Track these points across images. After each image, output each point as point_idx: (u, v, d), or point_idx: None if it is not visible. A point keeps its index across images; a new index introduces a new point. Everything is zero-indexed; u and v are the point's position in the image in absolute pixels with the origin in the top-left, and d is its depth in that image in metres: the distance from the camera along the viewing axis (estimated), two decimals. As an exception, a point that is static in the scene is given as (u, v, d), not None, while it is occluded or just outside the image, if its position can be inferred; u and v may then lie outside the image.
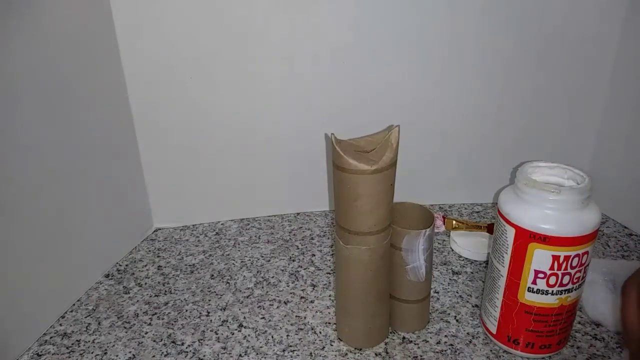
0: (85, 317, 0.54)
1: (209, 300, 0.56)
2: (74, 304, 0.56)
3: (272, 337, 0.50)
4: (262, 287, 0.58)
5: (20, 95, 0.47)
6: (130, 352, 0.49)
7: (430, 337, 0.50)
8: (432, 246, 0.48)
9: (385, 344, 0.49)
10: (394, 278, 0.48)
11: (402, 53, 0.64)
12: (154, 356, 0.48)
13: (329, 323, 0.52)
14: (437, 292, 0.56)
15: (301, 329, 0.51)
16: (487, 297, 0.48)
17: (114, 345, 0.50)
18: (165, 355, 0.48)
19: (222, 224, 0.72)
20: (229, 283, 0.59)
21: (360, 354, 0.48)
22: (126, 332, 0.52)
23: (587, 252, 0.42)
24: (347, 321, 0.48)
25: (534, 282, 0.43)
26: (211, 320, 0.53)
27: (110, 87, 0.60)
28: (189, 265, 0.63)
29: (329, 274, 0.60)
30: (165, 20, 0.59)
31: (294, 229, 0.70)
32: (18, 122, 0.47)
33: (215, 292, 0.58)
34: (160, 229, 0.71)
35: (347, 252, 0.45)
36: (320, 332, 0.51)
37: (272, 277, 0.60)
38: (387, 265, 0.46)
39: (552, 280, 0.42)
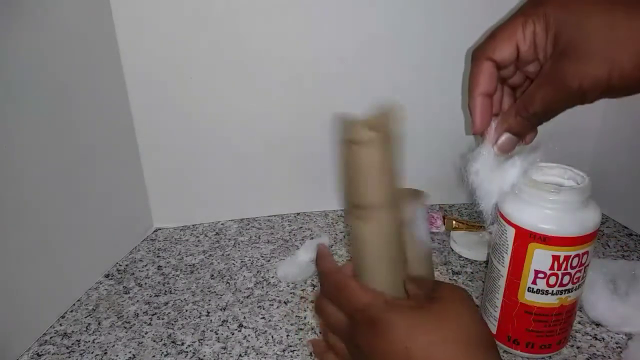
0: (85, 317, 0.54)
1: (209, 300, 0.56)
2: (74, 304, 0.56)
3: (272, 337, 0.50)
4: (262, 287, 0.58)
5: (20, 95, 0.47)
6: (130, 352, 0.49)
7: (430, 337, 0.50)
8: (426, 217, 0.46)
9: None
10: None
11: (402, 53, 0.64)
12: (154, 356, 0.48)
13: (329, 323, 0.52)
14: (437, 292, 0.56)
15: (301, 329, 0.51)
16: (487, 297, 0.48)
17: (114, 345, 0.50)
18: (165, 355, 0.48)
19: (222, 224, 0.72)
20: (229, 283, 0.59)
21: (360, 354, 0.48)
22: (126, 332, 0.52)
23: (587, 252, 0.42)
24: None
25: (534, 282, 0.43)
26: (211, 320, 0.53)
27: (110, 87, 0.60)
28: (189, 265, 0.63)
29: (329, 274, 0.60)
30: (165, 20, 0.59)
31: (294, 229, 0.70)
32: (18, 121, 0.47)
33: (215, 292, 0.58)
34: (160, 229, 0.71)
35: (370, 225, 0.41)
36: (320, 332, 0.51)
37: (272, 277, 0.60)
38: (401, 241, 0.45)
39: (552, 280, 0.42)
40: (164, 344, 0.50)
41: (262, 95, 0.65)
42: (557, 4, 0.34)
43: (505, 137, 0.40)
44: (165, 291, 0.58)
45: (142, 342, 0.50)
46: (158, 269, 0.62)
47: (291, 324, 0.52)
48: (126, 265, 0.63)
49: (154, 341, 0.50)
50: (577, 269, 0.42)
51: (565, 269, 0.42)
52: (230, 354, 0.48)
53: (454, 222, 0.66)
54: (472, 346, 0.30)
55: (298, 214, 0.74)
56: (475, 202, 0.45)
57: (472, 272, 0.60)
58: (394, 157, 0.42)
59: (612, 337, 0.49)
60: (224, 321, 0.53)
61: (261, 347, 0.49)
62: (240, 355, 0.48)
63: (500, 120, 0.40)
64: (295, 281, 0.59)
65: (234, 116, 0.65)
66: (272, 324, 0.52)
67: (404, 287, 0.41)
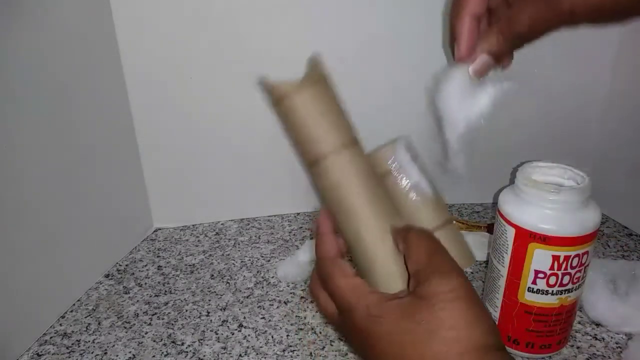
0: (85, 317, 0.54)
1: (209, 300, 0.56)
2: (74, 304, 0.56)
3: (272, 337, 0.50)
4: (262, 287, 0.58)
5: (20, 95, 0.47)
6: (130, 352, 0.49)
7: (430, 337, 0.50)
8: (418, 157, 0.43)
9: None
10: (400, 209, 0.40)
11: (402, 53, 0.64)
12: (154, 356, 0.48)
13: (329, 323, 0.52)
14: (437, 292, 0.56)
15: (301, 329, 0.51)
16: (487, 297, 0.48)
17: (114, 345, 0.50)
18: (165, 355, 0.48)
19: (222, 224, 0.72)
20: (229, 283, 0.59)
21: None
22: (126, 332, 0.52)
23: (587, 252, 0.42)
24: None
25: (534, 282, 0.43)
26: (211, 320, 0.53)
27: (110, 87, 0.60)
28: (189, 265, 0.63)
29: (329, 274, 0.60)
30: (165, 20, 0.59)
31: (294, 229, 0.70)
32: (18, 121, 0.47)
33: (215, 292, 0.58)
34: (160, 229, 0.71)
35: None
36: (320, 332, 0.51)
37: (272, 277, 0.60)
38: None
39: (552, 280, 0.42)
40: (164, 344, 0.50)
41: (262, 95, 0.65)
42: None
43: (482, 58, 0.37)
44: (165, 291, 0.58)
45: (142, 342, 0.50)
46: (158, 269, 0.62)
47: (291, 324, 0.52)
48: (126, 265, 0.63)
49: (154, 341, 0.50)
50: (577, 269, 0.42)
51: (565, 269, 0.42)
52: (230, 354, 0.48)
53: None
54: (472, 353, 0.28)
55: (298, 214, 0.74)
56: (440, 129, 0.42)
57: (472, 272, 0.60)
58: (329, 97, 0.39)
59: (612, 337, 0.49)
60: (224, 321, 0.53)
61: (261, 347, 0.49)
62: (240, 355, 0.48)
63: (479, 40, 0.37)
64: (295, 281, 0.59)
65: (234, 116, 0.65)
66: (272, 324, 0.52)
67: (395, 243, 0.35)
